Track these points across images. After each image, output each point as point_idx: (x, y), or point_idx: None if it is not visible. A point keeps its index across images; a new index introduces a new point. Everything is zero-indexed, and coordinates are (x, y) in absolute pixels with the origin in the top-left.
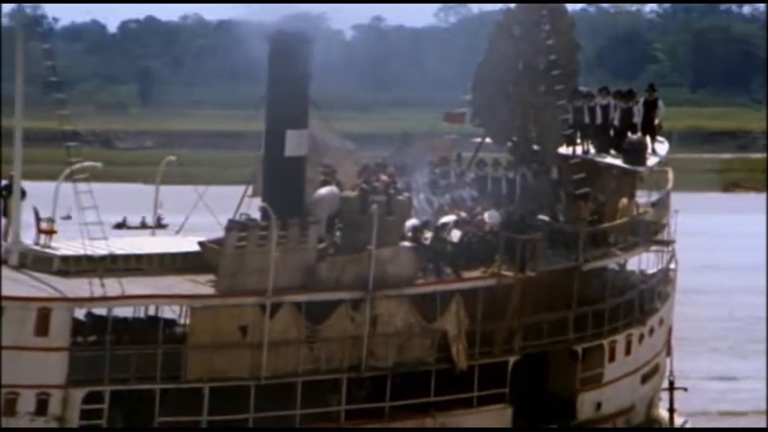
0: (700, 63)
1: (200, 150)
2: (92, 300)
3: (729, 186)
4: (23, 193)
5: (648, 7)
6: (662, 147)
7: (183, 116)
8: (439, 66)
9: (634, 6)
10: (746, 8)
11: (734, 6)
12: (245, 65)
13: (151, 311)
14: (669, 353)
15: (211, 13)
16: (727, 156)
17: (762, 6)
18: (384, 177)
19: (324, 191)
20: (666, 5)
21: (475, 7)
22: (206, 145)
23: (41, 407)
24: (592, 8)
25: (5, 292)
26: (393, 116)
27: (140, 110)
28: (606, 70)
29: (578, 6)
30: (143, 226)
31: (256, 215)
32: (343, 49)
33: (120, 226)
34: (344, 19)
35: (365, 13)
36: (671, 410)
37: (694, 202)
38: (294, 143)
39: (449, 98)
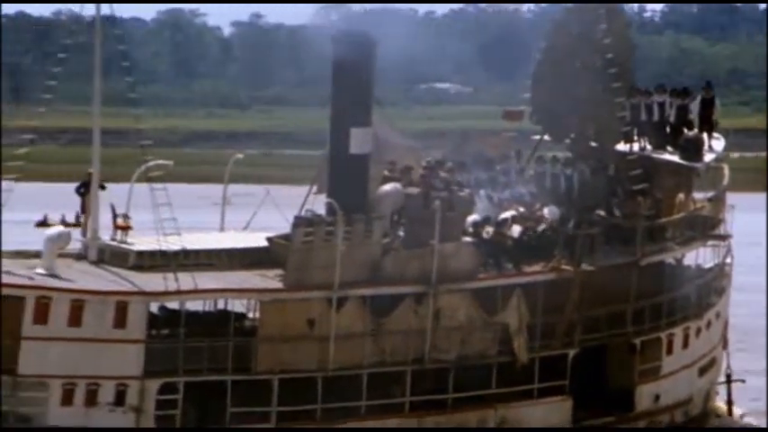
0: None
1: (68, 147)
2: (166, 294)
3: None
4: (103, 186)
5: (525, 7)
6: (718, 143)
7: (57, 113)
8: (318, 64)
9: (512, 6)
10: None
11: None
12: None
13: (220, 305)
14: (725, 346)
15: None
16: None
17: (635, 7)
18: (443, 174)
19: (387, 187)
20: (543, 5)
21: (356, 5)
22: (80, 141)
23: (120, 397)
24: (471, 8)
25: (85, 287)
26: (273, 115)
27: (10, 106)
28: (485, 70)
29: (456, 6)
30: (64, 223)
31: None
32: (220, 46)
33: (42, 224)
34: (223, 16)
35: (244, 9)
36: (729, 403)
37: None
38: (358, 141)
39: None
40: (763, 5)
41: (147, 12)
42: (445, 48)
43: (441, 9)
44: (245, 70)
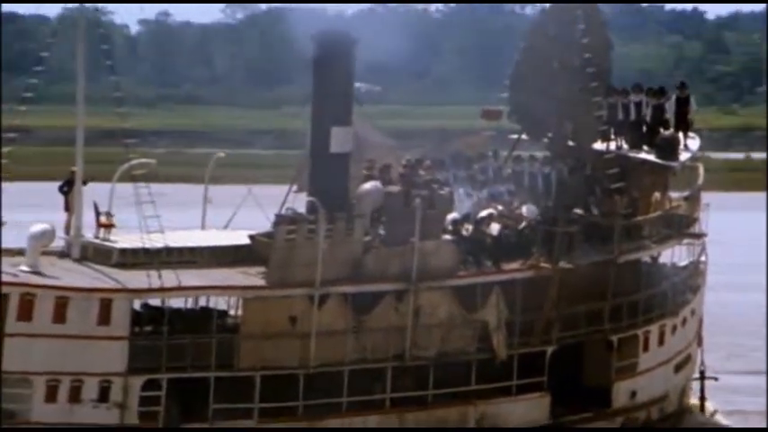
0: (488, 63)
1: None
2: (150, 290)
3: None
4: (84, 182)
5: (434, 7)
6: (693, 142)
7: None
8: (227, 62)
9: (420, 6)
10: (529, 9)
11: (517, 7)
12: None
13: (201, 302)
14: (700, 343)
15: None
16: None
17: (544, 6)
18: (422, 172)
19: (368, 186)
20: (452, 5)
21: (262, 5)
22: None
23: (103, 394)
24: (380, 8)
25: (70, 284)
26: (180, 113)
27: None
28: (393, 69)
29: (366, 6)
30: None
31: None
32: (127, 44)
33: None
34: (130, 13)
35: (152, 8)
36: (702, 399)
37: None
38: (339, 140)
39: (236, 94)
40: (668, 6)
41: (51, 9)
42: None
43: (349, 8)
44: (152, 68)
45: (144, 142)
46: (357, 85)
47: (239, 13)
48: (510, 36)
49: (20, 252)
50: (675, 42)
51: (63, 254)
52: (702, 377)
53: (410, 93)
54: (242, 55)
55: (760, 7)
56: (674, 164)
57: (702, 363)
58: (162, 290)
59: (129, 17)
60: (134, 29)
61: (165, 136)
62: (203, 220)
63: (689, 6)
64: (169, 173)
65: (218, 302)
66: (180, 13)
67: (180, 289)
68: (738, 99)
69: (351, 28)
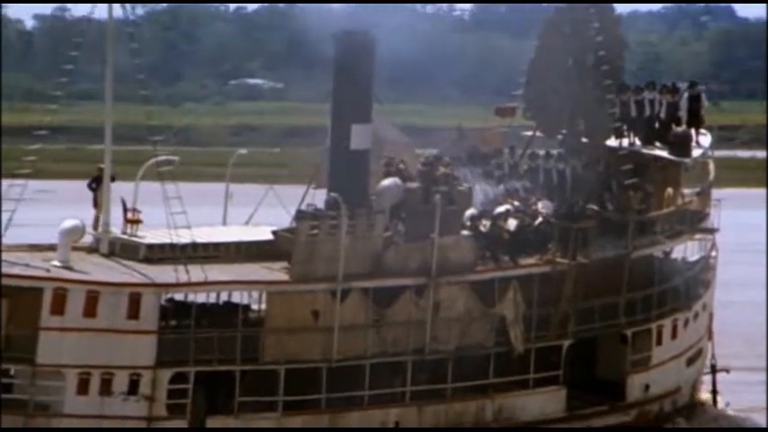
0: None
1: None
2: (178, 285)
3: None
4: (112, 178)
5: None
6: (705, 139)
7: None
8: (126, 58)
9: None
10: (430, 8)
11: (419, 6)
12: None
13: (224, 297)
14: (711, 337)
15: None
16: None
17: (445, 6)
18: (442, 168)
19: (387, 182)
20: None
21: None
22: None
23: (133, 387)
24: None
25: (100, 278)
26: (78, 109)
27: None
28: (294, 66)
29: (266, 6)
30: None
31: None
32: (21, 39)
33: None
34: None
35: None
36: (714, 392)
37: None
38: (359, 137)
39: (134, 91)
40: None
41: None
42: (256, 43)
43: (251, 5)
44: (49, 64)
45: (40, 138)
46: (259, 81)
47: (139, 9)
48: (409, 35)
49: (51, 247)
50: None
51: (92, 249)
52: (714, 370)
53: (311, 91)
54: (141, 51)
55: (657, 7)
56: (686, 160)
57: (713, 356)
58: (189, 284)
59: (23, 12)
60: (29, 23)
61: (63, 132)
62: (225, 216)
63: None
64: (69, 169)
65: (240, 297)
66: (78, 8)
67: (207, 284)
68: None
69: (251, 25)
